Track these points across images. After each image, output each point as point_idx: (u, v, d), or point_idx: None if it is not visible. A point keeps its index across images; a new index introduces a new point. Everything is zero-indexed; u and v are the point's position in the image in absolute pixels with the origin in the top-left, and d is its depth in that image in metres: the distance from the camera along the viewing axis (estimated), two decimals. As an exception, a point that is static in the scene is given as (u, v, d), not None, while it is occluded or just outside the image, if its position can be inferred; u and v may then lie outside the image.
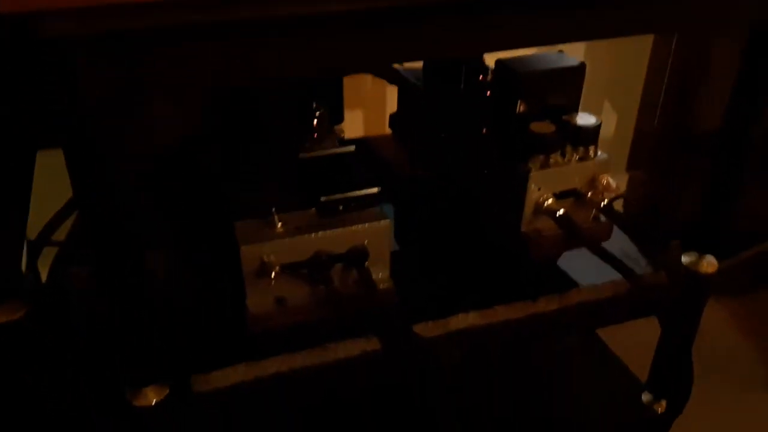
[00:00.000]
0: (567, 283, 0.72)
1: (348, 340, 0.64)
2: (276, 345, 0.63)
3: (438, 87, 0.82)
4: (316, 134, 0.75)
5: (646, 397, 0.89)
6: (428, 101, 0.82)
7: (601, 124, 0.68)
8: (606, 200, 0.67)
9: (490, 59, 0.76)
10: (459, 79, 0.80)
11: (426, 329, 0.66)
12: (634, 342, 1.05)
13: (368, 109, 1.24)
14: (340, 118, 0.83)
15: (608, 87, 1.33)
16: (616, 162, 1.20)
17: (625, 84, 1.27)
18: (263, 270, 0.62)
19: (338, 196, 0.66)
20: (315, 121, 0.75)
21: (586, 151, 0.67)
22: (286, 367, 0.62)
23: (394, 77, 0.92)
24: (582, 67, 0.68)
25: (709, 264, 0.73)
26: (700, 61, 1.03)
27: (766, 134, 0.71)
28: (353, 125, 1.22)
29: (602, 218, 0.70)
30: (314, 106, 0.74)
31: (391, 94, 0.95)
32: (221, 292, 0.66)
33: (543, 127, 0.66)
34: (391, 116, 0.93)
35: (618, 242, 0.73)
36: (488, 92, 0.74)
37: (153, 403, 0.57)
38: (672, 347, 0.82)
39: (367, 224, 0.65)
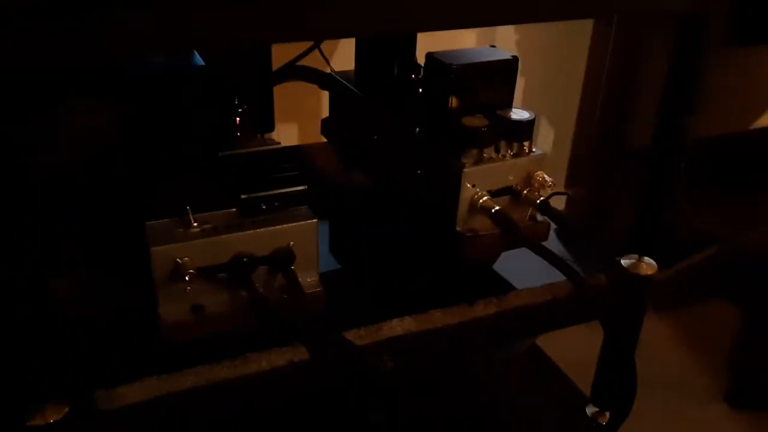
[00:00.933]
0: (504, 285, 0.69)
1: (273, 350, 0.59)
2: (192, 357, 0.58)
3: (370, 88, 0.78)
4: (239, 133, 0.71)
5: (590, 409, 0.87)
6: (360, 103, 0.79)
7: (535, 119, 0.65)
8: (542, 197, 0.65)
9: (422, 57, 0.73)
10: (390, 79, 0.77)
11: (357, 336, 0.62)
12: (574, 355, 1.03)
13: (304, 118, 1.20)
14: (270, 127, 0.79)
15: (545, 89, 1.33)
16: (557, 166, 1.19)
17: (562, 85, 1.27)
18: (177, 274, 0.57)
19: (261, 193, 0.61)
20: (237, 119, 0.70)
21: (521, 146, 0.65)
22: (204, 380, 0.57)
23: (324, 82, 0.89)
24: (515, 60, 0.66)
25: (649, 266, 0.71)
26: (636, 67, 1.03)
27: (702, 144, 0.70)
28: (288, 136, 1.18)
29: (539, 217, 0.68)
30: (236, 102, 0.70)
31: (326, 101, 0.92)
32: (131, 300, 0.60)
33: (475, 122, 0.63)
34: (323, 121, 0.89)
35: (555, 243, 0.71)
36: (420, 90, 0.71)
37: (50, 422, 0.51)
38: (615, 354, 0.80)
39: (292, 224, 0.61)
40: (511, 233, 0.64)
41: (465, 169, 0.62)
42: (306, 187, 0.63)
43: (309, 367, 0.60)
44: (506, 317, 0.67)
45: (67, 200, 0.58)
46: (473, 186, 0.63)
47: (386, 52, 0.78)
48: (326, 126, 0.89)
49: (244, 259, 0.59)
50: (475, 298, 0.67)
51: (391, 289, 0.69)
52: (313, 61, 0.87)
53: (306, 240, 0.61)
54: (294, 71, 0.95)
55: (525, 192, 0.65)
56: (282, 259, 0.60)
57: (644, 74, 1.04)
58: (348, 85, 0.81)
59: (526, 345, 1.00)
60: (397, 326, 0.64)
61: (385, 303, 0.66)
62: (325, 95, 0.90)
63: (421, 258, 0.73)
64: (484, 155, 0.63)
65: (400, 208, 0.73)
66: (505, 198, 0.66)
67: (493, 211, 0.63)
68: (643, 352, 0.85)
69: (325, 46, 0.88)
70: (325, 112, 0.90)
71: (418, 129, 0.70)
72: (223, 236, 0.58)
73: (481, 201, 0.64)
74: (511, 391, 0.93)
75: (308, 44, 0.94)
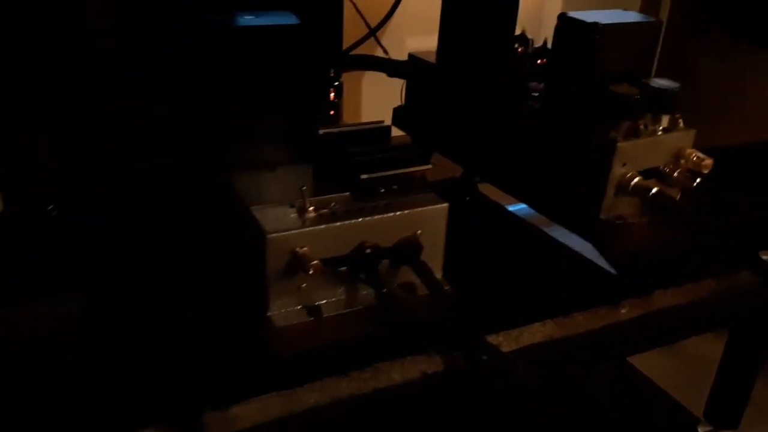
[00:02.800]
0: (646, 284, 0.59)
1: (407, 359, 0.48)
2: (308, 368, 0.47)
3: (462, 67, 0.69)
4: (332, 111, 0.61)
5: (704, 428, 0.77)
6: (451, 87, 0.70)
7: (680, 88, 0.57)
8: (698, 180, 0.56)
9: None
10: (490, 55, 0.68)
11: (498, 342, 0.52)
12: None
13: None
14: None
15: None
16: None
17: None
18: (294, 266, 0.47)
19: (383, 173, 0.51)
20: (332, 94, 0.61)
21: (674, 120, 0.56)
22: (329, 397, 0.46)
23: (395, 68, 0.80)
24: (659, 24, 0.58)
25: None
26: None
27: None
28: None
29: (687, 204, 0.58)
30: (331, 74, 0.60)
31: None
32: (231, 302, 0.50)
33: (626, 89, 0.55)
34: (396, 110, 0.80)
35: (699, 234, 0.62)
36: (540, 60, 0.62)
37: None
38: (741, 365, 0.71)
39: (421, 209, 0.51)
40: (668, 222, 0.55)
41: (618, 144, 0.53)
42: (430, 166, 0.54)
43: (447, 378, 0.49)
44: (652, 320, 0.58)
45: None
46: (623, 165, 0.54)
47: (481, 24, 0.69)
48: (400, 115, 0.79)
49: (368, 250, 0.49)
50: (619, 297, 0.57)
51: (518, 286, 0.59)
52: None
53: (434, 228, 0.52)
54: (357, 60, 0.87)
55: (676, 173, 0.56)
56: (409, 250, 0.50)
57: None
58: (440, 66, 0.72)
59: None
60: (538, 331, 0.54)
61: (516, 303, 0.57)
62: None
63: (542, 253, 0.64)
64: (639, 128, 0.54)
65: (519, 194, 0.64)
66: (652, 180, 0.57)
67: (651, 193, 0.54)
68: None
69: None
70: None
71: (538, 104, 0.61)
72: (346, 222, 0.48)
73: (633, 182, 0.54)
74: (609, 411, 0.83)
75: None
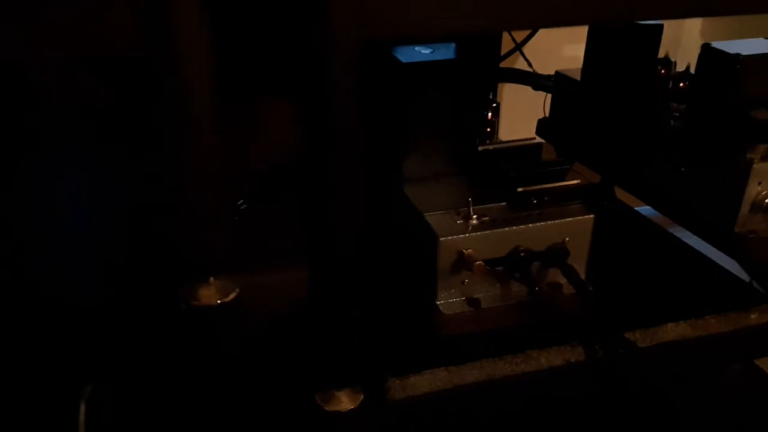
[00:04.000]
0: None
1: (552, 348, 0.57)
2: (469, 350, 0.57)
3: (607, 84, 0.76)
4: (489, 128, 0.70)
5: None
6: (595, 102, 0.76)
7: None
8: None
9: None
10: (636, 74, 0.74)
11: (635, 338, 0.59)
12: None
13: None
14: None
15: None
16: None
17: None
18: (459, 265, 0.56)
19: (536, 187, 0.60)
20: (489, 113, 0.70)
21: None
22: (486, 375, 0.55)
23: (539, 82, 0.87)
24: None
25: None
26: None
27: None
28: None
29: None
30: (491, 96, 0.69)
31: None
32: (406, 291, 0.60)
33: (764, 115, 0.60)
34: (541, 121, 0.87)
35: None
36: (682, 84, 0.68)
37: (347, 410, 0.51)
38: None
39: (569, 219, 0.59)
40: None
41: (754, 165, 0.59)
42: (579, 181, 0.61)
43: (588, 367, 0.57)
44: (781, 327, 0.63)
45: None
46: (759, 184, 0.60)
47: (625, 46, 0.75)
48: (545, 125, 0.87)
49: (522, 254, 0.58)
50: (750, 303, 0.62)
51: (656, 290, 0.66)
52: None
53: (581, 236, 0.59)
54: (507, 73, 0.94)
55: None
56: (558, 254, 0.59)
57: None
58: (585, 82, 0.79)
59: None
60: (672, 330, 0.60)
61: (653, 304, 0.63)
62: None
63: (678, 260, 0.70)
64: (774, 151, 0.59)
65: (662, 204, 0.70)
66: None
67: (784, 210, 0.59)
68: None
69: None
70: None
71: (680, 124, 0.67)
72: (504, 229, 0.57)
73: (767, 201, 0.60)
74: (736, 411, 0.87)
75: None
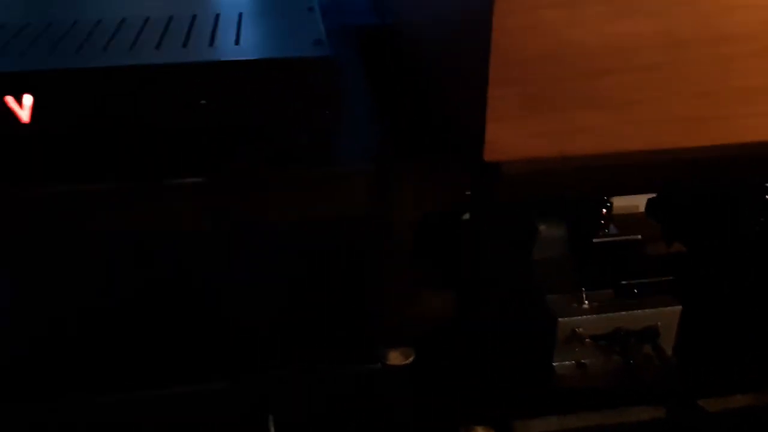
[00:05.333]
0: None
1: (641, 406, 0.75)
2: (576, 403, 0.76)
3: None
4: (603, 221, 0.87)
5: None
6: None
7: None
8: None
9: None
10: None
11: (707, 405, 0.76)
12: None
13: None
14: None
15: None
16: None
17: None
18: (572, 338, 0.75)
19: (635, 281, 0.78)
20: (604, 210, 0.87)
21: None
22: (589, 422, 0.74)
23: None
24: None
25: None
26: None
27: None
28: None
29: None
30: (606, 199, 0.87)
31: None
32: (528, 355, 0.80)
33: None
34: (650, 201, 1.03)
35: None
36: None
37: (481, 442, 0.72)
38: None
39: (660, 309, 0.76)
40: None
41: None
42: (672, 277, 0.79)
43: (665, 426, 0.75)
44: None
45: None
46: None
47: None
48: (654, 205, 1.03)
49: (622, 333, 0.76)
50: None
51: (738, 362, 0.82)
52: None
53: (669, 322, 0.77)
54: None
55: None
56: (650, 335, 0.76)
57: None
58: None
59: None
60: (739, 400, 0.77)
61: (733, 375, 0.79)
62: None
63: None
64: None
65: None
66: None
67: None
68: None
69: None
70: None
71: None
72: (608, 314, 0.75)
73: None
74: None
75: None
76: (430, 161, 0.63)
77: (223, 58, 0.57)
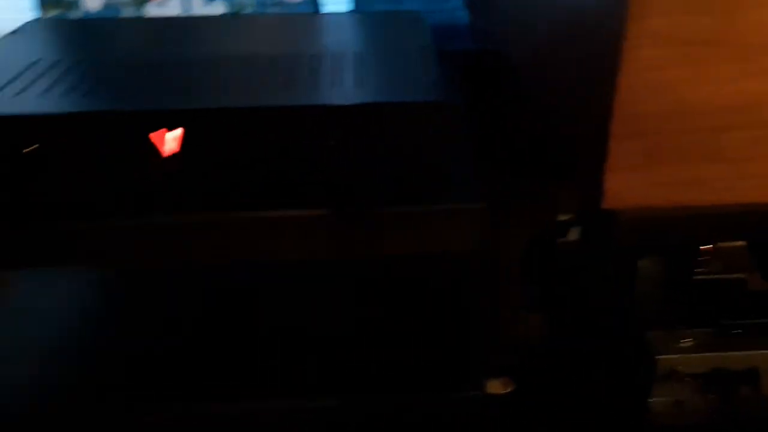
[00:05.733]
0: None
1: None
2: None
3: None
4: (705, 258, 0.87)
5: None
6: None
7: None
8: None
9: None
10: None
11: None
12: None
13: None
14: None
15: None
16: None
17: None
18: (670, 376, 0.76)
19: (737, 321, 0.77)
20: (706, 247, 0.87)
21: None
22: (684, 459, 0.74)
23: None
24: None
25: None
26: None
27: None
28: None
29: None
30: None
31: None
32: (627, 386, 0.80)
33: None
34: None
35: None
36: None
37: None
38: None
39: (762, 351, 0.76)
40: None
41: None
42: (771, 319, 0.78)
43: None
44: None
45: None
46: None
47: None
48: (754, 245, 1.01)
49: (722, 374, 0.76)
50: None
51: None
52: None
53: (772, 364, 0.76)
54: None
55: None
56: (751, 376, 0.76)
57: None
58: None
59: None
60: (844, 446, 0.75)
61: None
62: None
63: None
64: None
65: None
66: None
67: None
68: None
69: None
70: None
71: None
72: (708, 354, 0.75)
73: None
74: None
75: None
76: (539, 198, 0.65)
77: (348, 102, 0.60)
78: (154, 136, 0.59)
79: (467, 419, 0.72)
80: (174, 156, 0.59)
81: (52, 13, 1.09)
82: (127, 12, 1.09)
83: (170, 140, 0.59)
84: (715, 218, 0.57)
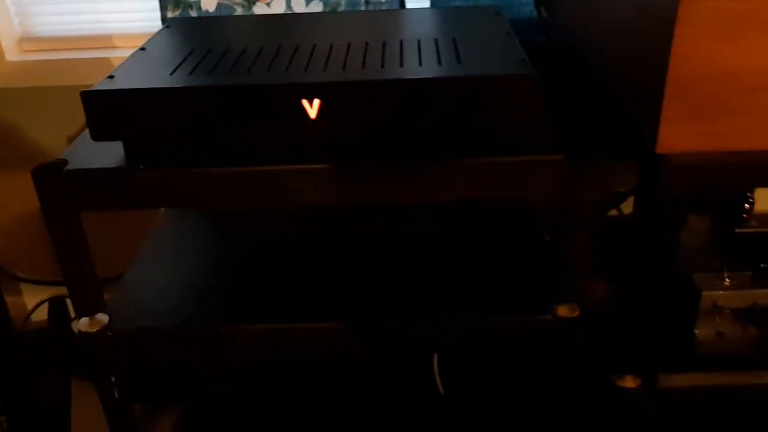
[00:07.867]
0: None
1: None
2: (713, 365, 0.90)
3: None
4: (746, 215, 1.01)
5: None
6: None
7: None
8: None
9: None
10: None
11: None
12: None
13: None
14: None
15: None
16: None
17: None
18: (713, 310, 0.89)
19: (771, 265, 0.91)
20: (747, 205, 1.01)
21: None
22: (723, 382, 0.88)
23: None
24: None
25: None
26: None
27: None
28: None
29: None
30: (748, 195, 1.00)
31: None
32: (675, 319, 0.94)
33: None
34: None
35: None
36: None
37: (631, 387, 0.87)
38: None
39: (796, 288, 0.89)
40: None
41: None
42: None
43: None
44: None
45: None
46: None
47: None
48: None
49: (758, 308, 0.89)
50: None
51: None
52: None
53: (803, 301, 0.89)
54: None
55: None
56: (781, 311, 0.89)
57: None
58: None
59: None
60: None
61: None
62: None
63: None
64: None
65: None
66: None
67: None
68: None
69: None
70: None
71: None
72: (747, 291, 0.89)
73: None
74: None
75: None
76: (607, 154, 0.80)
77: (461, 74, 0.77)
78: (305, 103, 0.77)
79: (540, 339, 0.88)
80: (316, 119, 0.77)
81: (175, 13, 1.27)
82: (240, 11, 1.26)
83: (314, 107, 0.76)
84: (747, 165, 0.72)
